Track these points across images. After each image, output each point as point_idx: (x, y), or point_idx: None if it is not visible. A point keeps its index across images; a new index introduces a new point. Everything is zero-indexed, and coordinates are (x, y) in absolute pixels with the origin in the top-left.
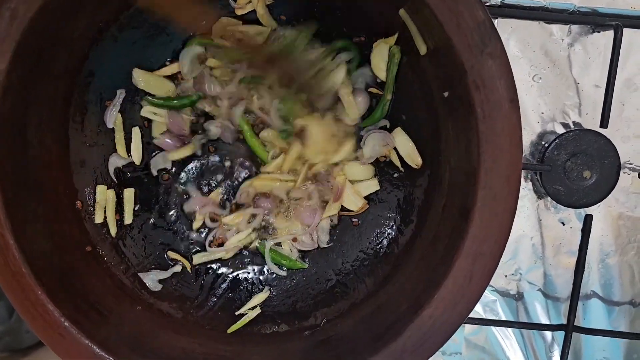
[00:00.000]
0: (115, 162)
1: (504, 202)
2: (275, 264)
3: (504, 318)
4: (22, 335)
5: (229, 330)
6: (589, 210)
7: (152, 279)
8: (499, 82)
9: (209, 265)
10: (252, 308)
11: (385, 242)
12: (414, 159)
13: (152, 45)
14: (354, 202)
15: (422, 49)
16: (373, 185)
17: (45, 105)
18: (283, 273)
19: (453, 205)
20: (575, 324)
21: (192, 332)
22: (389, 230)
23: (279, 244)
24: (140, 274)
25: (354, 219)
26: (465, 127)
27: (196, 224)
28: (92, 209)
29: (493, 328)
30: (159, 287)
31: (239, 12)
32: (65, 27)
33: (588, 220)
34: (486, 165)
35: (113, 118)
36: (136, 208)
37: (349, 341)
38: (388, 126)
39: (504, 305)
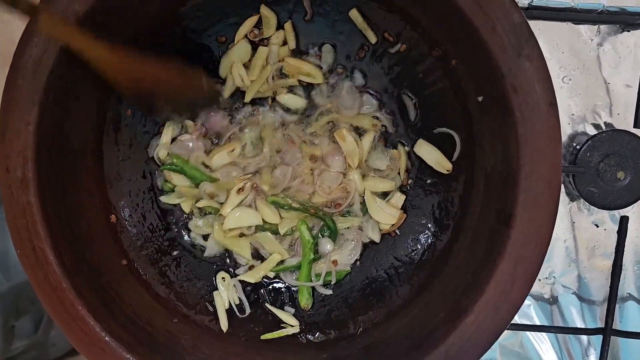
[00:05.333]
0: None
1: (545, 206)
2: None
3: (537, 322)
4: (49, 349)
5: (263, 337)
6: (624, 211)
7: None
8: (536, 85)
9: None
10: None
11: (420, 248)
12: (444, 165)
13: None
14: (387, 215)
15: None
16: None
17: (81, 118)
18: (329, 292)
19: (490, 209)
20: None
21: (228, 342)
22: (424, 237)
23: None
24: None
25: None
26: (503, 131)
27: None
28: (126, 222)
29: (528, 333)
30: None
31: None
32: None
33: (624, 221)
34: (526, 168)
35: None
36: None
37: (387, 350)
38: None
39: (538, 309)
